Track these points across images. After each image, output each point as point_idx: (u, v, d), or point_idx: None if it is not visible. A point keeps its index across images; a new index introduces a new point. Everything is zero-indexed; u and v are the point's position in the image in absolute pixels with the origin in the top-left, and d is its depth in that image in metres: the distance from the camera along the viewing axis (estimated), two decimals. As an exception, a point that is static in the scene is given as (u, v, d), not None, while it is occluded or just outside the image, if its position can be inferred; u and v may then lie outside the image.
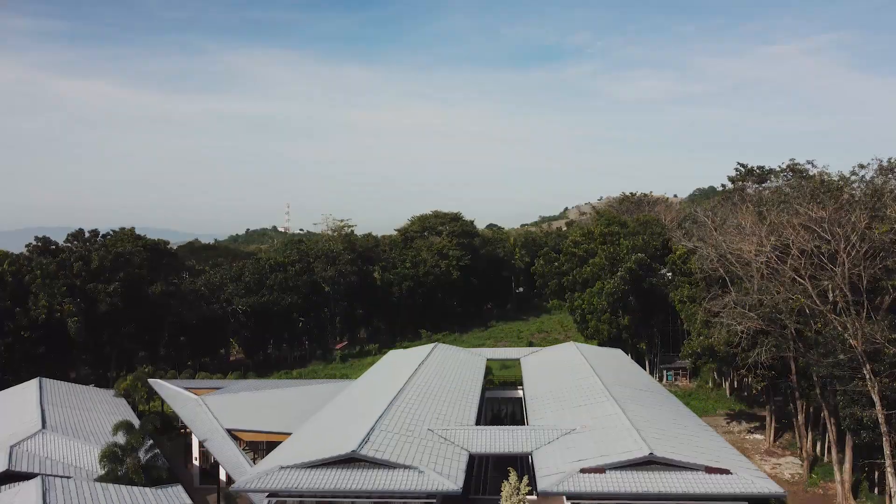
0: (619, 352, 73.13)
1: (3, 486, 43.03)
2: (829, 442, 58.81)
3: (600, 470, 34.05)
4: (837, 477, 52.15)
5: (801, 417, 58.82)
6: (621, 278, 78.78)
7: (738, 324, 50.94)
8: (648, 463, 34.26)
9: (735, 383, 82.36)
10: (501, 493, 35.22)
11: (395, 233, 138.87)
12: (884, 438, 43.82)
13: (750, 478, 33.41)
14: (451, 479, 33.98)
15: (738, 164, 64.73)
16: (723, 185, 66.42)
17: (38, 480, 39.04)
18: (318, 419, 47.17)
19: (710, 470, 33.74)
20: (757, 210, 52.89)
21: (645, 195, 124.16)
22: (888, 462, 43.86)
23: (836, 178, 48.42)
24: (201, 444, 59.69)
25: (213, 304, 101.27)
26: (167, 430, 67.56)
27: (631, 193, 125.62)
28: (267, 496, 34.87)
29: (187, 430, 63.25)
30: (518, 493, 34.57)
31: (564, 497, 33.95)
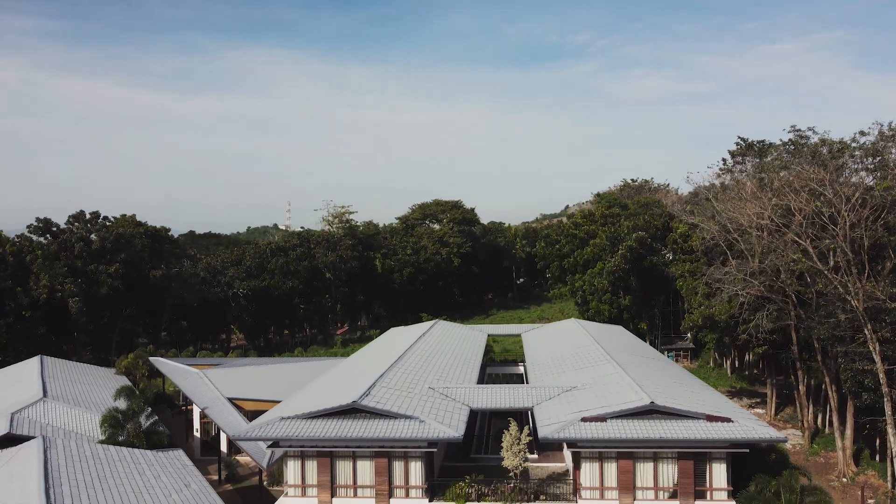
0: (620, 328, 73.12)
1: (3, 450, 43.05)
2: (829, 414, 58.80)
3: (601, 419, 34.00)
4: (839, 444, 52.09)
5: (802, 388, 58.75)
6: (622, 256, 78.74)
7: (741, 289, 50.87)
8: (650, 412, 34.22)
9: (736, 362, 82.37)
10: (502, 444, 35.23)
11: (396, 221, 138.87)
12: (885, 399, 43.75)
13: (751, 425, 33.41)
14: (453, 428, 33.94)
15: (739, 137, 64.74)
16: (723, 160, 66.31)
17: (39, 439, 39.01)
18: (318, 382, 47.16)
19: (711, 418, 33.69)
20: (758, 176, 52.84)
21: (646, 181, 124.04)
22: (889, 421, 43.77)
23: (836, 142, 48.33)
24: (202, 416, 59.80)
25: (215, 287, 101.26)
26: (168, 406, 67.67)
27: (632, 180, 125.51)
28: (268, 445, 34.86)
29: (188, 407, 63.42)
30: (519, 443, 34.57)
31: (565, 444, 33.91)
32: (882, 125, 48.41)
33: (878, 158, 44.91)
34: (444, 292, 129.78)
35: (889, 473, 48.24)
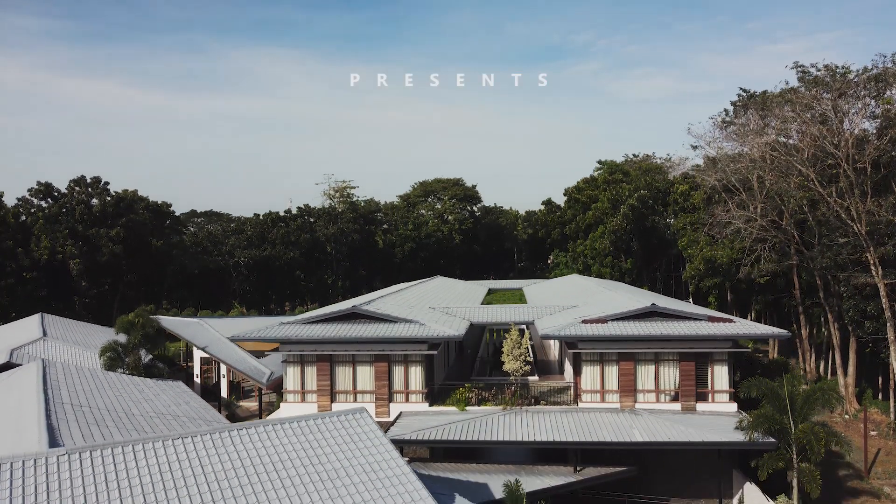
0: (623, 283, 72.98)
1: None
2: (831, 361, 58.59)
3: (602, 321, 33.83)
4: (841, 381, 51.86)
5: (804, 333, 58.55)
6: (624, 216, 78.56)
7: (743, 224, 50.74)
8: (651, 314, 34.05)
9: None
10: (503, 349, 35.05)
11: (398, 199, 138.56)
12: (888, 324, 43.49)
13: (752, 324, 33.26)
14: (454, 330, 33.79)
15: (741, 88, 64.47)
16: (725, 111, 66.02)
17: (38, 361, 38.93)
18: (317, 311, 47.09)
19: (712, 319, 33.52)
20: (760, 114, 52.73)
21: (648, 156, 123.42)
22: (891, 345, 43.53)
23: (839, 67, 48.06)
24: (203, 364, 59.77)
25: (216, 255, 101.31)
26: (169, 365, 67.71)
27: (634, 155, 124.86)
28: (269, 350, 34.63)
29: (188, 363, 63.57)
30: (520, 346, 34.36)
31: (566, 358, 33.69)
32: (885, 56, 48.18)
33: (881, 84, 44.66)
34: (445, 271, 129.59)
35: (891, 408, 48.09)
